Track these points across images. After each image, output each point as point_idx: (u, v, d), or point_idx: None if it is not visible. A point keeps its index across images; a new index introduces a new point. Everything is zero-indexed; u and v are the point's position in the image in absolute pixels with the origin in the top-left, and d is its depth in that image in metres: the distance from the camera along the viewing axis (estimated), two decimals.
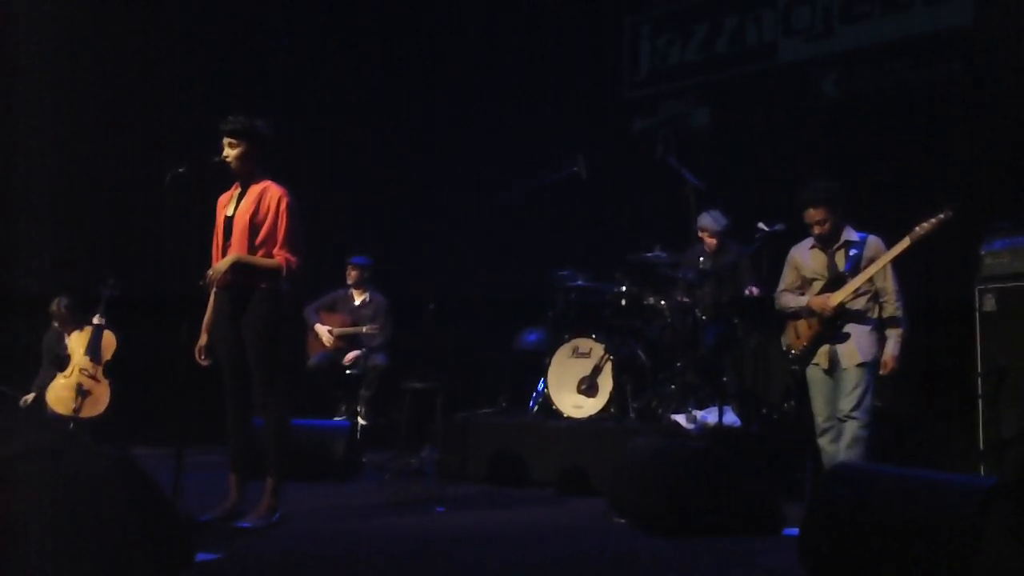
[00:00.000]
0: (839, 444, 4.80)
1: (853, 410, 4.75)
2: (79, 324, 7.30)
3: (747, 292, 6.28)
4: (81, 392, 7.10)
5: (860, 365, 4.76)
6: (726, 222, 6.66)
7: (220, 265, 4.63)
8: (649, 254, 6.53)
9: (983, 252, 5.26)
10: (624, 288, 6.50)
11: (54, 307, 7.32)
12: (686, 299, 6.42)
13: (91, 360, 7.20)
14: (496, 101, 8.95)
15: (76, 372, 7.18)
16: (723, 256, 6.59)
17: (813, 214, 4.84)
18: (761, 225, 5.81)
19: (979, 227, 5.42)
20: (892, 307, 4.82)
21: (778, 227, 5.74)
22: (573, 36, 9.05)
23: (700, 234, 6.64)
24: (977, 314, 5.23)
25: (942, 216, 4.56)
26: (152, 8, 8.12)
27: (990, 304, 5.19)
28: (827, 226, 4.84)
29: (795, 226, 5.18)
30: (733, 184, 7.27)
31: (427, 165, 9.02)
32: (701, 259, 6.46)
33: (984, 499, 3.08)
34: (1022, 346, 5.03)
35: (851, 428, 4.75)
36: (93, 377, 7.18)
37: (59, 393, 7.11)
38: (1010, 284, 5.15)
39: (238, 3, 8.42)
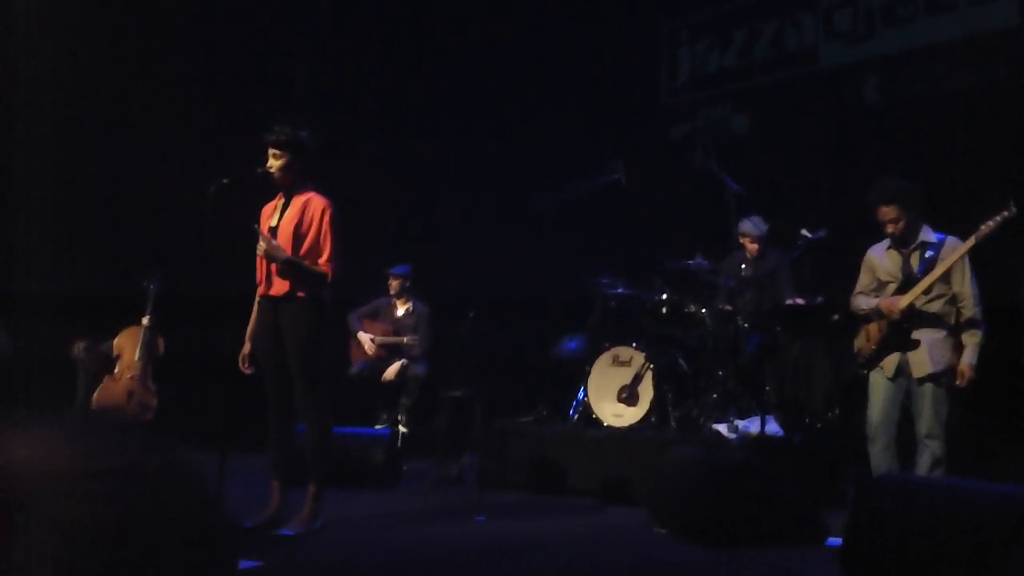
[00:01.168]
0: (918, 468, 4.53)
1: (930, 431, 4.51)
2: (103, 368, 6.89)
3: (790, 302, 6.21)
4: (131, 398, 6.75)
5: (932, 378, 4.52)
6: (767, 228, 6.61)
7: (278, 251, 4.62)
8: (690, 262, 6.49)
9: None
10: (665, 296, 6.46)
11: (76, 351, 6.85)
12: (727, 307, 6.37)
13: (142, 365, 6.85)
14: (533, 108, 8.94)
15: (125, 377, 6.82)
16: (763, 263, 6.54)
17: (885, 212, 4.58)
18: (804, 232, 5.74)
19: None
20: (969, 311, 4.52)
21: (820, 234, 5.67)
22: (610, 43, 9.03)
23: (741, 240, 6.60)
24: None
25: (1006, 213, 4.37)
26: (152, 8, 8.00)
27: None
28: (900, 225, 4.58)
29: (837, 233, 5.09)
30: (772, 191, 7.19)
31: (463, 173, 9.04)
32: (743, 266, 6.41)
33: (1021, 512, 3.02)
34: None
35: (930, 450, 4.50)
36: (144, 383, 6.84)
37: (109, 398, 6.73)
38: None
39: (239, 3, 8.29)
